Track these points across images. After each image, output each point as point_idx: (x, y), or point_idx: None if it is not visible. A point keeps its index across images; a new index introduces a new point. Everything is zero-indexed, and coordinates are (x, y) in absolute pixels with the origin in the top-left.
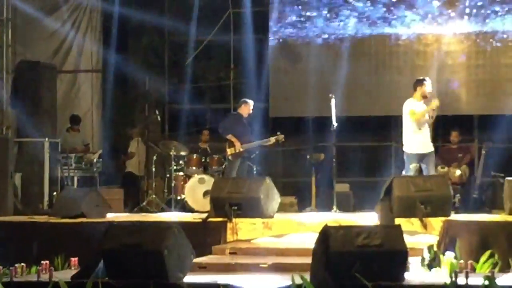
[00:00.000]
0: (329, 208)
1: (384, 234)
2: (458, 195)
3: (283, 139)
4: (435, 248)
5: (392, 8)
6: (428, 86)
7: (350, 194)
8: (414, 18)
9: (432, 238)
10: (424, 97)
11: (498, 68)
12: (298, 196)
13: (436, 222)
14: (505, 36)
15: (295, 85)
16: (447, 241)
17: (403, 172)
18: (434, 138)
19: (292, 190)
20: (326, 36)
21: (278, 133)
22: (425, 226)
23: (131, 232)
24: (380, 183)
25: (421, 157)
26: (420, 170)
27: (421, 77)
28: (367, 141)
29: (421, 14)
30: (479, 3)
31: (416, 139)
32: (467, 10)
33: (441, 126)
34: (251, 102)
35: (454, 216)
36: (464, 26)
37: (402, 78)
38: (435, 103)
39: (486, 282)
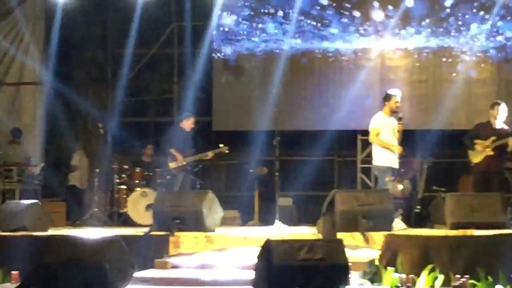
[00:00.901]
0: (272, 222)
1: (326, 248)
2: (400, 209)
3: (227, 151)
4: (376, 262)
5: (335, 22)
6: (398, 98)
7: (293, 208)
8: (358, 33)
9: (374, 252)
10: (393, 111)
11: (440, 83)
12: (241, 210)
13: (378, 236)
14: (447, 52)
15: (238, 99)
16: (389, 255)
17: (377, 187)
18: None
19: (235, 204)
20: (269, 50)
21: (222, 145)
22: (367, 240)
23: (72, 246)
24: (323, 197)
25: (392, 171)
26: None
27: (390, 91)
28: (310, 155)
29: (365, 29)
30: (422, 20)
31: (387, 153)
32: (410, 26)
33: None
34: (192, 117)
35: (395, 231)
36: (407, 41)
37: (345, 92)
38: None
39: None
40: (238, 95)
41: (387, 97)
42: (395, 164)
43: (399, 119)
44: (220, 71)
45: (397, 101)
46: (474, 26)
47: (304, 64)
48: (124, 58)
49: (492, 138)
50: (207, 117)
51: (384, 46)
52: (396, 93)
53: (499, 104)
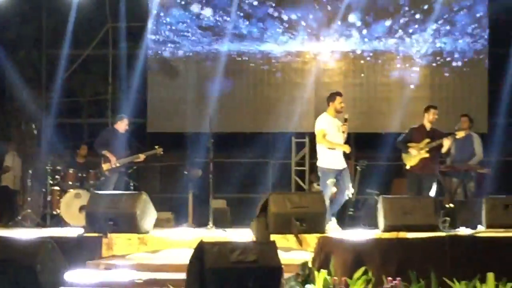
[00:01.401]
0: (205, 224)
1: (258, 250)
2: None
3: (161, 152)
4: (309, 265)
5: (270, 25)
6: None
7: (227, 210)
8: (293, 35)
9: (307, 255)
10: (338, 111)
11: (374, 87)
12: (174, 211)
13: (311, 239)
14: (382, 56)
15: (172, 101)
16: (322, 257)
17: (320, 188)
18: (310, 156)
19: (169, 206)
20: (204, 52)
21: (157, 146)
22: (300, 242)
23: (3, 246)
24: (257, 200)
25: (337, 173)
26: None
27: (334, 92)
28: (245, 157)
29: (300, 32)
30: (357, 23)
31: (331, 154)
32: (346, 29)
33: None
34: (127, 118)
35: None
36: (342, 44)
37: (279, 95)
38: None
39: None
40: (173, 96)
41: (331, 98)
42: (340, 166)
43: (344, 120)
44: (155, 73)
45: (341, 102)
46: (409, 31)
47: (239, 66)
48: (59, 59)
49: (426, 140)
50: (142, 119)
51: (320, 49)
52: (339, 92)
53: (435, 108)
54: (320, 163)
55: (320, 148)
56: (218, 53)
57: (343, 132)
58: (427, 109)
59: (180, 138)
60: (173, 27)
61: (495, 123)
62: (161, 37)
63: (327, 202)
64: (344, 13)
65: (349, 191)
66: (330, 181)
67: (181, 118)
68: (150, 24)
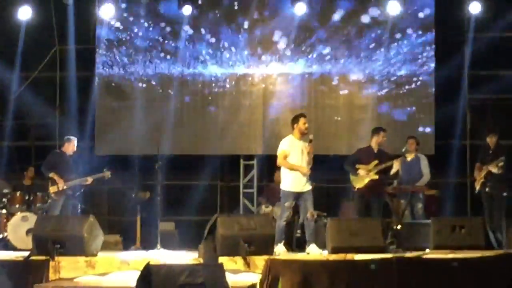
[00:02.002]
0: (154, 247)
1: (206, 272)
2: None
3: (109, 176)
4: (257, 287)
5: (219, 48)
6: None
7: (175, 233)
8: (241, 58)
9: (255, 277)
10: (302, 133)
11: (322, 109)
12: (123, 234)
13: (260, 261)
14: (328, 78)
15: (121, 124)
16: (270, 279)
17: (267, 210)
18: (259, 178)
19: (117, 229)
20: (153, 75)
21: (105, 169)
22: (248, 264)
23: None
24: (205, 222)
25: (297, 196)
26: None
27: (298, 113)
28: (193, 179)
29: (248, 55)
30: (306, 46)
31: (292, 177)
32: (293, 52)
33: (266, 166)
34: (74, 140)
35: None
36: (290, 67)
37: (228, 117)
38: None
39: None
40: (121, 119)
41: (295, 120)
42: (299, 189)
43: (309, 141)
44: (103, 95)
45: (305, 123)
46: (357, 54)
47: (187, 89)
48: (6, 81)
49: (375, 162)
50: (90, 142)
51: (267, 72)
52: (303, 114)
53: (384, 130)
54: (282, 185)
55: (282, 170)
56: (166, 76)
57: (308, 152)
58: (376, 131)
59: (128, 161)
60: (122, 50)
61: (442, 144)
62: (109, 59)
63: (282, 224)
64: (292, 36)
65: (309, 215)
66: (288, 203)
67: (129, 141)
68: (98, 47)
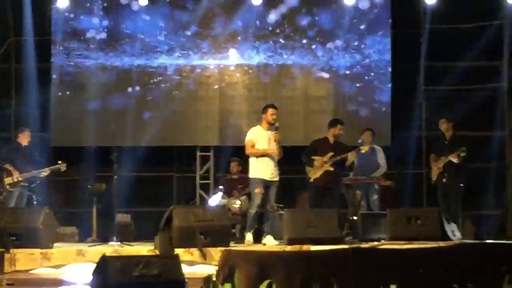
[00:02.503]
0: (110, 238)
1: (162, 264)
2: (238, 225)
3: (65, 168)
4: (214, 278)
5: (174, 39)
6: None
7: (131, 224)
8: (196, 49)
9: (211, 268)
10: (270, 123)
11: (279, 100)
12: (79, 226)
13: (216, 252)
14: (285, 69)
15: (76, 115)
16: (226, 271)
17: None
18: (215, 169)
19: (73, 220)
20: (108, 65)
21: (60, 161)
22: (204, 256)
23: None
24: (161, 213)
25: (265, 183)
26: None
27: (268, 104)
28: (149, 171)
29: (204, 46)
30: (261, 37)
31: (260, 165)
32: (250, 43)
33: (222, 157)
34: (28, 130)
35: (233, 246)
36: (246, 58)
37: (184, 108)
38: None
39: None
40: (77, 110)
41: (264, 110)
42: (268, 177)
43: (276, 128)
44: (59, 86)
45: (273, 114)
46: (314, 45)
47: (143, 80)
48: None
49: (330, 153)
50: (46, 133)
51: (223, 63)
52: (272, 105)
53: (342, 123)
54: (250, 173)
55: (251, 159)
56: (122, 67)
57: (275, 140)
58: (333, 124)
59: (84, 152)
60: (77, 41)
61: (398, 136)
62: (65, 50)
63: (253, 212)
64: (250, 27)
65: (269, 206)
66: (258, 190)
67: (85, 132)
68: (55, 38)
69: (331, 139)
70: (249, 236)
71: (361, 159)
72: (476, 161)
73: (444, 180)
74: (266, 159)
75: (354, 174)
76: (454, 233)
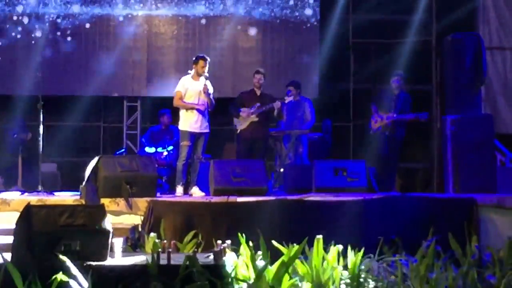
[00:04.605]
0: (35, 188)
1: (87, 213)
2: (165, 176)
3: None
4: (140, 229)
5: None
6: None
7: (57, 174)
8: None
9: (137, 219)
10: (200, 76)
11: (206, 51)
12: (4, 175)
13: (142, 203)
14: (213, 19)
15: (2, 63)
16: (152, 221)
17: None
18: (144, 120)
19: None
20: (36, 13)
21: None
22: (130, 206)
23: None
24: (87, 163)
25: (192, 135)
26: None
27: (199, 55)
28: (76, 120)
29: None
30: None
31: (188, 117)
32: None
33: (150, 108)
34: None
35: (159, 197)
36: (174, 9)
37: (112, 58)
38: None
39: (188, 262)
40: (2, 58)
41: (194, 61)
42: (196, 129)
43: (205, 78)
44: None
45: (204, 66)
46: None
47: (72, 29)
48: None
49: (257, 105)
50: None
51: (151, 13)
52: (203, 56)
53: (258, 72)
54: (179, 125)
55: (180, 111)
56: (50, 14)
57: (205, 92)
58: (253, 74)
59: (9, 100)
60: None
61: (325, 87)
62: None
63: (181, 164)
64: None
65: (197, 158)
66: (184, 143)
67: (11, 80)
68: None
69: (257, 91)
70: (179, 189)
71: (288, 110)
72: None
73: (387, 132)
74: (194, 111)
75: (282, 126)
76: (379, 185)
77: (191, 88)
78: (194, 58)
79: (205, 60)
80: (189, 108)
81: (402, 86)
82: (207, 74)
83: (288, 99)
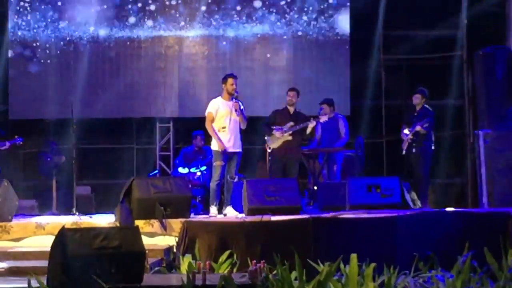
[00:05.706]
0: (70, 211)
1: (122, 235)
2: (199, 196)
3: (21, 143)
4: (174, 250)
5: (134, 10)
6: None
7: (91, 197)
8: (155, 20)
9: (172, 240)
10: (230, 94)
11: (238, 71)
12: (38, 199)
13: (176, 224)
14: (243, 39)
15: (34, 87)
16: (187, 242)
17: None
18: (175, 141)
19: (32, 193)
20: (66, 37)
21: (16, 136)
22: (165, 227)
23: None
24: (121, 186)
25: (225, 155)
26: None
27: (228, 74)
28: (108, 143)
29: (163, 17)
30: (218, 9)
31: (220, 137)
32: (209, 15)
33: (182, 128)
34: None
35: (193, 217)
36: (204, 29)
37: (143, 80)
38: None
39: (223, 282)
40: (35, 83)
41: (223, 80)
42: (229, 149)
43: (235, 98)
44: (17, 58)
45: (233, 84)
46: (272, 15)
47: (102, 51)
48: None
49: (290, 123)
50: (3, 106)
51: (182, 34)
52: (232, 75)
53: (291, 90)
54: (211, 145)
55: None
56: (81, 38)
57: (236, 110)
58: (287, 92)
59: (43, 124)
60: (34, 14)
61: (357, 105)
62: (22, 22)
63: (214, 185)
64: None
65: (230, 178)
66: (217, 163)
67: (44, 105)
68: (11, 10)
69: (291, 109)
70: (213, 209)
71: (322, 128)
72: (437, 130)
73: (413, 150)
74: (226, 131)
75: (317, 144)
76: (415, 202)
77: (222, 109)
78: (223, 78)
79: (234, 77)
80: (217, 139)
81: (422, 101)
82: (237, 92)
83: (323, 118)
